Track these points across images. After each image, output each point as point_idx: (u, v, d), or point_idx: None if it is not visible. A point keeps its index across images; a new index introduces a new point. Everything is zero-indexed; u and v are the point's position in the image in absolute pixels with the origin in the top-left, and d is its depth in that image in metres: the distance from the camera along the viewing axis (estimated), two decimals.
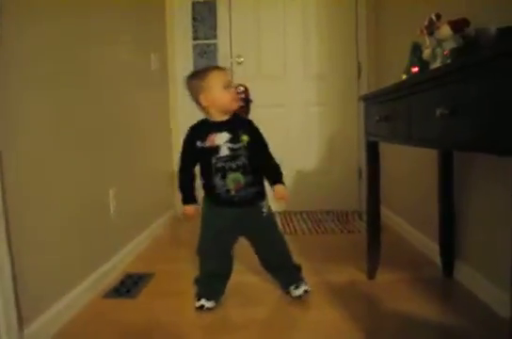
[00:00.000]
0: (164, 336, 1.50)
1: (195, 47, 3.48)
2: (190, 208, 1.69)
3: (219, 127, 1.64)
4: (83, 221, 1.82)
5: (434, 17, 1.48)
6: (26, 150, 1.43)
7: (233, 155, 1.62)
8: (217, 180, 1.63)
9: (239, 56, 3.38)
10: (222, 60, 3.39)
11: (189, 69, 3.43)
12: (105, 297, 1.82)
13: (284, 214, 3.33)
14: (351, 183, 3.44)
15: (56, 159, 1.62)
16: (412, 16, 2.23)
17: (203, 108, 1.68)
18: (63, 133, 1.68)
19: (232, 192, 1.63)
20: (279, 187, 1.68)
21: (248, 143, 1.63)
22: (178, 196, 3.28)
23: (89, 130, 1.90)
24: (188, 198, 1.69)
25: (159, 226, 2.90)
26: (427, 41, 1.52)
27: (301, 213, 3.36)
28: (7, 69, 1.32)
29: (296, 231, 2.87)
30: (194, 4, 3.43)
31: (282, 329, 1.55)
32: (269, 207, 1.74)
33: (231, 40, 3.41)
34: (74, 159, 1.76)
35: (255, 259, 1.79)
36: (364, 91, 3.14)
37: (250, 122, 1.74)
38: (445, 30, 1.38)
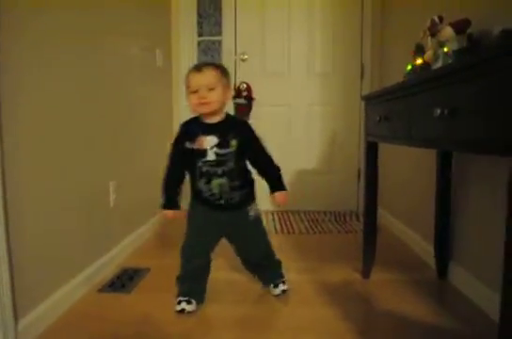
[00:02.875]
0: (156, 332, 1.50)
1: (199, 43, 3.48)
2: (169, 212, 1.63)
3: (209, 130, 1.57)
4: (82, 214, 1.83)
5: (437, 19, 1.49)
6: (27, 142, 1.43)
7: (220, 161, 1.56)
8: (202, 184, 1.59)
9: (243, 54, 3.39)
10: (226, 57, 3.40)
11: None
12: (100, 291, 1.82)
13: (282, 213, 3.34)
14: (350, 183, 3.44)
15: (56, 151, 1.62)
16: (418, 18, 2.23)
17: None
18: (65, 125, 1.68)
19: (217, 196, 1.60)
20: (280, 195, 1.65)
21: (237, 148, 1.56)
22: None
23: (91, 123, 1.90)
24: (169, 202, 1.63)
25: (158, 221, 2.91)
26: (429, 43, 1.53)
27: (299, 212, 3.37)
28: (8, 62, 1.33)
29: (293, 230, 2.88)
30: (199, 0, 3.43)
31: (274, 327, 1.56)
32: (256, 209, 1.71)
33: (235, 37, 3.41)
34: (75, 151, 1.76)
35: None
36: (367, 92, 3.14)
37: (244, 125, 1.66)
38: (447, 31, 1.39)
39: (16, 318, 1.34)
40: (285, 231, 2.85)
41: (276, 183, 1.67)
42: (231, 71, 3.40)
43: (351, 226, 2.98)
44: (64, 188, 1.67)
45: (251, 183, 1.68)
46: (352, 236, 2.71)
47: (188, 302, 1.62)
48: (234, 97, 3.21)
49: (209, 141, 1.55)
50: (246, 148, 1.59)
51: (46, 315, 1.51)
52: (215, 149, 1.55)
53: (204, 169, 1.57)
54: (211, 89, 1.54)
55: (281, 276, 1.80)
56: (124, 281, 1.93)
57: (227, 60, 3.38)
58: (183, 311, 1.60)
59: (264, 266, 1.78)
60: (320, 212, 3.39)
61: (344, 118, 3.42)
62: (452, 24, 1.40)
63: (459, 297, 1.76)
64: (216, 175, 1.57)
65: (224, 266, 2.03)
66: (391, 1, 3.02)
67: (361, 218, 3.07)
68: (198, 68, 1.59)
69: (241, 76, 3.34)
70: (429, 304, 1.70)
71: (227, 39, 3.43)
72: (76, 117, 1.77)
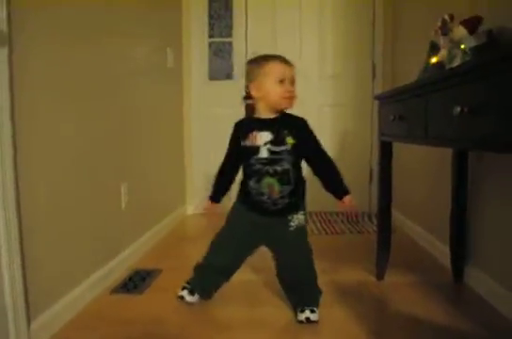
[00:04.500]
0: (167, 333, 1.49)
1: (210, 45, 3.48)
2: (209, 205, 1.64)
3: (263, 125, 1.49)
4: (94, 216, 1.82)
5: (447, 18, 1.46)
6: (39, 144, 1.43)
7: (273, 159, 1.47)
8: (252, 183, 1.51)
9: (254, 54, 3.36)
10: (237, 59, 3.39)
11: (204, 66, 3.45)
12: (113, 292, 1.82)
13: None
14: (362, 184, 3.42)
15: (68, 153, 1.62)
16: (429, 16, 2.20)
17: (253, 99, 1.52)
18: (75, 127, 1.68)
19: (265, 197, 1.51)
20: (347, 199, 1.57)
21: (293, 146, 1.47)
22: (189, 193, 3.26)
23: (102, 125, 1.90)
24: (213, 195, 1.64)
25: (169, 222, 2.91)
26: (442, 42, 1.50)
27: (311, 213, 3.34)
28: (21, 63, 1.33)
29: None
30: (210, 1, 3.43)
31: (288, 328, 1.54)
32: (302, 221, 1.57)
33: (246, 39, 3.40)
34: (87, 153, 1.76)
35: (262, 258, 1.73)
36: (379, 92, 3.11)
37: (302, 121, 1.56)
38: (460, 30, 1.37)
39: (29, 319, 1.34)
40: None
41: (340, 185, 1.57)
42: (242, 72, 3.41)
43: (364, 227, 2.95)
44: (76, 190, 1.67)
45: (303, 192, 1.58)
46: (365, 237, 2.69)
47: (191, 292, 1.64)
48: (245, 98, 3.19)
49: (262, 137, 1.48)
50: (302, 146, 1.50)
51: (59, 316, 1.51)
52: (268, 145, 1.47)
53: (256, 167, 1.49)
54: (293, 84, 1.52)
55: (315, 304, 1.58)
56: (136, 282, 1.92)
57: (238, 62, 3.38)
58: (182, 298, 1.63)
59: (297, 290, 1.61)
60: (332, 213, 3.36)
61: (355, 118, 3.40)
62: (463, 23, 1.38)
63: (476, 299, 1.73)
64: (268, 174, 1.48)
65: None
66: (403, 1, 2.99)
67: (374, 219, 3.05)
68: (281, 59, 1.52)
69: None
70: (445, 306, 1.67)
71: (238, 40, 3.42)
72: (87, 118, 1.77)
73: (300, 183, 1.56)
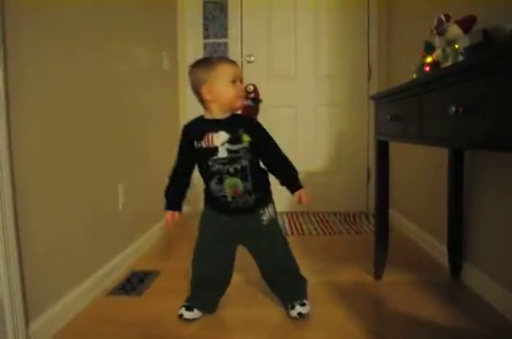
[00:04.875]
0: (165, 335, 1.49)
1: (205, 46, 3.48)
2: (169, 214, 1.55)
3: (217, 126, 1.48)
4: (91, 217, 1.82)
5: (443, 17, 1.47)
6: (35, 145, 1.43)
7: (232, 158, 1.46)
8: (213, 184, 1.49)
9: (250, 56, 3.38)
10: (233, 59, 3.38)
11: None
12: (111, 294, 1.82)
13: (291, 214, 3.32)
14: (359, 184, 3.43)
15: (65, 154, 1.62)
16: (424, 17, 2.21)
17: (203, 102, 1.51)
18: (72, 129, 1.68)
19: (229, 199, 1.49)
20: (300, 193, 1.53)
21: (250, 144, 1.47)
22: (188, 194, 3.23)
23: (98, 126, 1.90)
24: (170, 203, 1.57)
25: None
26: (437, 42, 1.51)
27: (308, 213, 3.35)
28: (15, 67, 1.33)
29: (303, 231, 2.86)
30: (205, 3, 3.44)
31: (286, 328, 1.54)
32: (272, 213, 1.58)
33: (241, 40, 3.41)
34: (84, 154, 1.76)
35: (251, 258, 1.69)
36: (374, 93, 3.12)
37: (253, 121, 1.59)
38: (455, 30, 1.37)
39: (27, 322, 1.34)
40: (295, 232, 2.83)
41: (295, 182, 1.56)
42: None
43: (361, 227, 2.96)
44: (73, 191, 1.67)
45: (266, 185, 1.58)
46: (363, 237, 2.69)
47: (188, 309, 1.56)
48: (252, 100, 3.20)
49: (219, 137, 1.46)
50: (258, 145, 1.50)
51: (57, 319, 1.51)
52: (226, 145, 1.46)
53: (215, 167, 1.47)
54: (241, 82, 1.53)
55: (303, 296, 1.60)
56: (134, 284, 1.92)
57: None
58: (181, 316, 1.55)
59: (283, 284, 1.62)
60: (330, 213, 3.37)
61: (351, 118, 3.41)
62: (458, 22, 1.39)
63: (473, 297, 1.73)
64: (229, 174, 1.47)
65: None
66: (396, 1, 3.00)
67: (371, 219, 3.06)
68: (228, 59, 1.55)
69: (248, 78, 3.33)
70: (443, 305, 1.67)
71: (233, 41, 3.43)
72: (84, 120, 1.77)
73: (261, 177, 1.55)
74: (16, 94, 1.30)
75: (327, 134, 3.43)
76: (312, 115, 3.43)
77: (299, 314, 1.55)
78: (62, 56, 1.60)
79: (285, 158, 1.57)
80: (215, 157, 1.47)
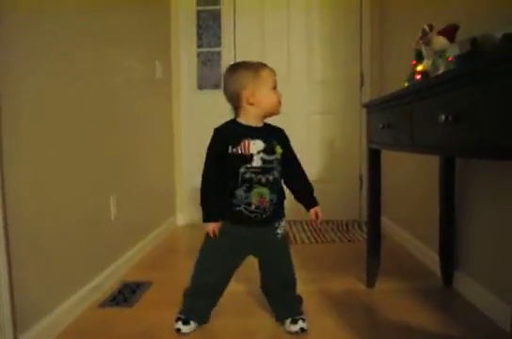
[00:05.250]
0: None
1: (199, 55, 3.49)
2: (212, 226, 1.46)
3: (254, 133, 1.45)
4: (83, 228, 1.81)
5: (427, 28, 1.48)
6: (27, 156, 1.42)
7: (266, 168, 1.44)
8: (241, 192, 1.44)
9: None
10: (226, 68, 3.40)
11: (193, 76, 3.46)
12: (102, 305, 1.79)
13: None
14: (352, 192, 3.43)
15: (56, 165, 1.61)
16: (416, 25, 2.22)
17: (240, 106, 1.48)
18: (64, 139, 1.67)
19: (253, 207, 1.45)
20: (317, 209, 1.58)
21: (281, 156, 1.48)
22: (179, 204, 3.22)
23: (90, 136, 1.89)
24: (212, 214, 1.47)
25: (159, 234, 2.89)
26: (425, 52, 1.52)
27: (301, 222, 3.35)
28: (6, 74, 1.33)
29: (295, 240, 2.85)
30: (199, 12, 3.45)
31: (278, 337, 1.53)
32: (284, 227, 1.57)
33: (235, 48, 3.42)
34: (75, 165, 1.75)
35: (248, 268, 1.67)
36: (367, 100, 3.13)
37: (283, 132, 1.58)
38: (440, 40, 1.38)
39: (15, 335, 1.32)
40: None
41: (312, 199, 1.59)
42: None
43: (354, 235, 2.96)
44: (65, 202, 1.66)
45: (284, 198, 1.56)
46: (355, 245, 2.69)
47: (185, 322, 1.53)
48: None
49: (256, 146, 1.44)
50: (286, 156, 1.51)
51: (47, 332, 1.49)
52: (261, 154, 1.44)
53: (247, 175, 1.43)
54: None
55: (301, 313, 1.60)
56: (126, 295, 1.90)
57: None
58: (178, 330, 1.52)
59: (282, 298, 1.61)
60: (322, 221, 3.35)
61: (343, 126, 3.42)
62: (441, 32, 1.40)
63: (465, 305, 1.73)
64: (260, 183, 1.44)
65: None
66: (389, 8, 3.03)
67: (364, 227, 3.06)
68: (269, 66, 1.51)
69: None
70: (435, 313, 1.67)
71: (226, 49, 3.44)
72: (76, 130, 1.76)
73: (282, 190, 1.55)
74: (9, 106, 1.30)
75: (319, 141, 3.44)
76: (304, 122, 3.44)
77: (301, 329, 1.53)
78: (55, 66, 1.60)
79: (305, 173, 1.59)
80: (248, 165, 1.44)
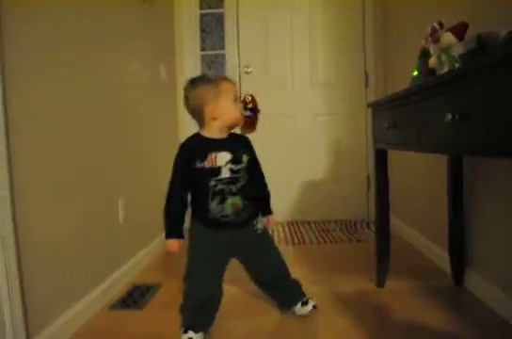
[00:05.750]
0: None
1: (203, 58, 3.50)
2: (174, 243, 1.48)
3: (219, 145, 1.48)
4: (92, 231, 1.82)
5: (437, 25, 1.47)
6: (36, 160, 1.44)
7: (234, 178, 1.48)
8: (214, 204, 1.47)
9: (247, 66, 3.40)
10: (230, 70, 3.41)
11: None
12: (112, 308, 1.81)
13: (292, 224, 3.31)
14: (359, 192, 3.42)
15: (65, 167, 1.62)
16: (420, 24, 2.22)
17: (203, 121, 1.50)
18: (71, 143, 1.68)
19: (229, 218, 1.49)
20: (272, 218, 1.66)
21: (247, 163, 1.52)
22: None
23: (97, 140, 1.91)
24: (174, 232, 1.49)
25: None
26: (432, 50, 1.52)
27: (309, 222, 3.34)
28: (11, 78, 1.34)
29: (304, 240, 2.85)
30: (202, 15, 3.47)
31: (289, 338, 1.53)
32: (262, 222, 1.62)
33: (238, 51, 3.43)
34: (84, 168, 1.76)
35: (241, 269, 1.67)
36: (372, 100, 3.13)
37: (248, 140, 1.61)
38: (448, 37, 1.38)
39: (28, 338, 1.33)
40: (296, 241, 2.82)
41: (268, 205, 1.66)
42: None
43: (362, 235, 2.95)
44: (73, 205, 1.67)
45: (255, 201, 1.59)
46: (364, 245, 2.68)
47: (195, 331, 1.49)
48: (246, 109, 3.21)
49: (223, 157, 1.47)
50: (251, 164, 1.55)
51: (58, 334, 1.50)
52: (229, 165, 1.47)
53: (218, 187, 1.46)
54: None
55: (304, 295, 1.68)
56: (136, 297, 1.91)
57: (231, 73, 3.40)
58: None
59: (279, 287, 1.66)
60: (330, 221, 3.36)
61: (349, 126, 3.42)
62: (451, 30, 1.40)
63: (477, 303, 1.72)
64: (231, 193, 1.48)
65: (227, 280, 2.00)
66: (392, 8, 3.03)
67: (372, 227, 3.05)
68: (227, 78, 1.55)
69: (245, 89, 3.35)
70: (446, 312, 1.66)
71: (230, 52, 3.45)
72: (82, 133, 1.77)
73: (253, 195, 1.57)
74: (13, 107, 1.31)
75: (325, 142, 3.44)
76: (309, 124, 3.44)
77: (314, 306, 1.66)
78: (59, 70, 1.61)
79: (265, 181, 1.66)
80: (218, 178, 1.46)
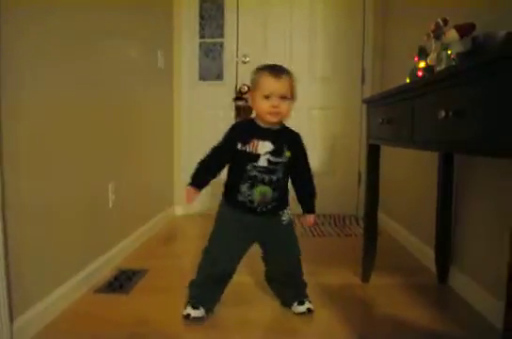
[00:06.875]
0: (153, 333, 1.48)
1: (201, 45, 3.48)
2: (191, 191, 1.52)
3: (265, 135, 1.51)
4: (81, 214, 1.81)
5: (441, 22, 1.48)
6: (26, 143, 1.42)
7: (270, 169, 1.50)
8: (244, 188, 1.51)
9: (245, 56, 3.38)
10: (228, 59, 3.40)
11: (195, 67, 3.45)
12: (98, 291, 1.81)
13: None
14: (351, 187, 3.44)
15: (55, 151, 1.61)
16: (419, 21, 2.22)
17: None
18: (64, 127, 1.67)
19: (255, 204, 1.52)
20: (311, 217, 1.65)
21: (289, 159, 1.52)
22: (178, 194, 3.23)
23: (90, 124, 1.89)
24: (196, 181, 1.53)
25: (157, 222, 2.90)
26: (433, 46, 1.52)
27: (298, 216, 3.35)
28: (9, 66, 1.32)
29: None
30: (202, 2, 3.44)
31: (274, 330, 1.55)
32: (290, 215, 1.64)
33: (237, 40, 3.41)
34: (75, 152, 1.75)
35: (250, 259, 1.69)
36: (368, 96, 3.13)
37: (298, 137, 1.62)
38: (452, 34, 1.38)
39: (12, 318, 1.33)
40: None
41: (311, 204, 1.66)
42: (232, 73, 3.41)
43: (351, 230, 2.97)
44: (63, 189, 1.66)
45: (288, 193, 1.62)
46: (352, 240, 2.70)
47: (194, 307, 1.54)
48: (235, 99, 3.21)
49: (265, 147, 1.49)
50: (295, 161, 1.56)
51: (42, 315, 1.50)
52: (268, 155, 1.49)
53: (253, 173, 1.49)
54: (283, 98, 1.50)
55: (307, 295, 1.68)
56: (122, 282, 1.91)
57: (228, 62, 3.38)
58: (188, 316, 1.53)
59: (287, 286, 1.67)
60: (320, 215, 3.37)
61: (344, 121, 3.42)
62: (456, 27, 1.40)
63: (460, 301, 1.74)
64: (262, 182, 1.50)
65: None
66: (392, 4, 3.02)
67: (361, 222, 3.07)
68: (275, 73, 1.49)
69: (242, 78, 3.34)
70: (429, 309, 1.68)
71: (229, 41, 3.43)
72: (75, 118, 1.76)
73: (287, 187, 1.60)
74: (9, 91, 1.30)
75: (320, 136, 3.43)
76: (305, 117, 3.43)
77: (308, 309, 1.61)
78: (54, 55, 1.59)
79: (312, 181, 1.66)
80: (255, 164, 1.49)
